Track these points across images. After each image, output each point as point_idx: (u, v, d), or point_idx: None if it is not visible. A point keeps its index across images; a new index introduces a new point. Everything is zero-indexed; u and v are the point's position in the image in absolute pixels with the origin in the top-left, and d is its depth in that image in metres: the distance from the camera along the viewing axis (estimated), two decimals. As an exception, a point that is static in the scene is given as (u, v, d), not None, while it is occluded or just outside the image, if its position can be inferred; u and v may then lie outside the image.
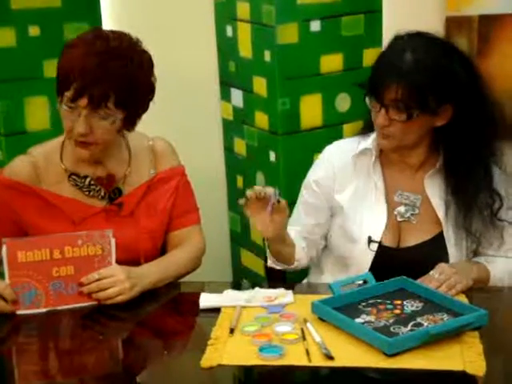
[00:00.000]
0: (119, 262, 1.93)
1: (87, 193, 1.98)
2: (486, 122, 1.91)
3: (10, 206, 1.96)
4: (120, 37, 1.91)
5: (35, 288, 1.83)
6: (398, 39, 1.94)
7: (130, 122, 1.95)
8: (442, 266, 1.87)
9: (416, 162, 2.00)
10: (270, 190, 1.83)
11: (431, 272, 1.85)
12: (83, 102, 1.84)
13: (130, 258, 1.96)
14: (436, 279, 1.84)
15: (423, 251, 1.98)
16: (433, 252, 1.98)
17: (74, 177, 1.98)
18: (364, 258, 2.00)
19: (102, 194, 1.99)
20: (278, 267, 2.05)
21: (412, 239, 2.00)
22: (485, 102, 1.91)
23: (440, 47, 1.90)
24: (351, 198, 2.04)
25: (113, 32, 1.95)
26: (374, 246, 1.99)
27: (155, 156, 2.06)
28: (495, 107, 1.94)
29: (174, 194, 2.06)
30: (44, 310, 1.83)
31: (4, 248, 1.82)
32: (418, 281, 1.84)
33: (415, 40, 1.91)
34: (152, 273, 1.91)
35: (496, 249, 2.00)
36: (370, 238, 1.99)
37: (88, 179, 1.98)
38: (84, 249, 1.85)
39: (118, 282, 1.83)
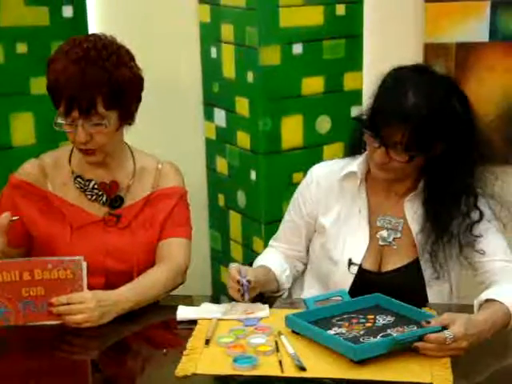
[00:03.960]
0: (112, 271, 1.98)
1: (90, 197, 2.04)
2: (473, 154, 1.93)
3: (16, 204, 2.02)
4: (94, 39, 1.95)
5: (5, 306, 1.83)
6: (398, 74, 1.92)
7: (126, 118, 1.99)
8: (459, 331, 1.66)
9: (403, 190, 2.03)
10: (242, 282, 1.88)
11: (446, 334, 1.66)
12: (75, 113, 1.90)
13: (123, 268, 2.00)
14: (448, 348, 1.66)
15: (401, 276, 2.00)
16: (410, 276, 2.00)
17: (79, 179, 2.04)
18: (344, 280, 2.01)
19: (104, 199, 2.04)
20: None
21: (391, 264, 2.02)
22: (476, 136, 1.93)
23: (442, 87, 1.90)
24: (335, 220, 2.06)
25: (86, 36, 2.01)
26: (354, 269, 2.01)
27: (160, 175, 2.10)
28: (484, 138, 1.95)
29: (170, 212, 2.08)
30: (13, 325, 1.83)
31: None
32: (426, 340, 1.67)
33: (417, 78, 1.89)
34: (127, 299, 1.88)
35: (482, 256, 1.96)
36: (350, 260, 2.01)
37: (92, 183, 2.04)
38: (54, 272, 1.84)
39: (86, 309, 1.81)
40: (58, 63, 1.92)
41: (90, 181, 2.04)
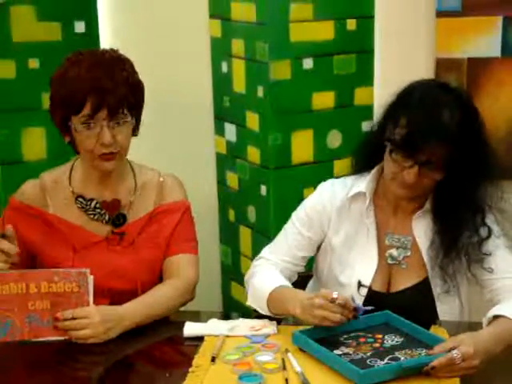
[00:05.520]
0: (117, 291, 1.96)
1: (92, 216, 2.02)
2: (482, 169, 1.92)
3: (17, 227, 1.96)
4: (104, 50, 2.01)
5: (11, 320, 1.83)
6: (424, 92, 1.90)
7: (137, 126, 2.00)
8: (467, 351, 1.65)
9: (411, 207, 2.01)
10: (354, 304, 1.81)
11: (454, 353, 1.64)
12: (103, 113, 1.89)
13: (127, 288, 1.98)
14: (459, 367, 1.65)
15: (410, 296, 1.98)
16: (419, 296, 1.98)
17: (80, 199, 2.02)
18: None
19: (107, 218, 2.02)
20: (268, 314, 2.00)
21: (400, 284, 2.00)
22: (486, 151, 1.92)
23: (465, 103, 1.90)
24: (344, 240, 2.04)
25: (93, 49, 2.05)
26: (364, 291, 1.99)
27: (162, 190, 2.08)
28: (493, 154, 1.94)
29: (175, 228, 2.06)
30: (18, 340, 1.83)
31: None
32: (436, 362, 1.64)
33: (443, 95, 1.89)
34: (133, 315, 1.87)
35: (490, 273, 1.96)
36: (359, 282, 1.99)
37: (94, 202, 2.02)
38: (60, 285, 1.83)
39: (91, 325, 1.80)
40: (72, 71, 1.91)
41: (91, 200, 2.02)
